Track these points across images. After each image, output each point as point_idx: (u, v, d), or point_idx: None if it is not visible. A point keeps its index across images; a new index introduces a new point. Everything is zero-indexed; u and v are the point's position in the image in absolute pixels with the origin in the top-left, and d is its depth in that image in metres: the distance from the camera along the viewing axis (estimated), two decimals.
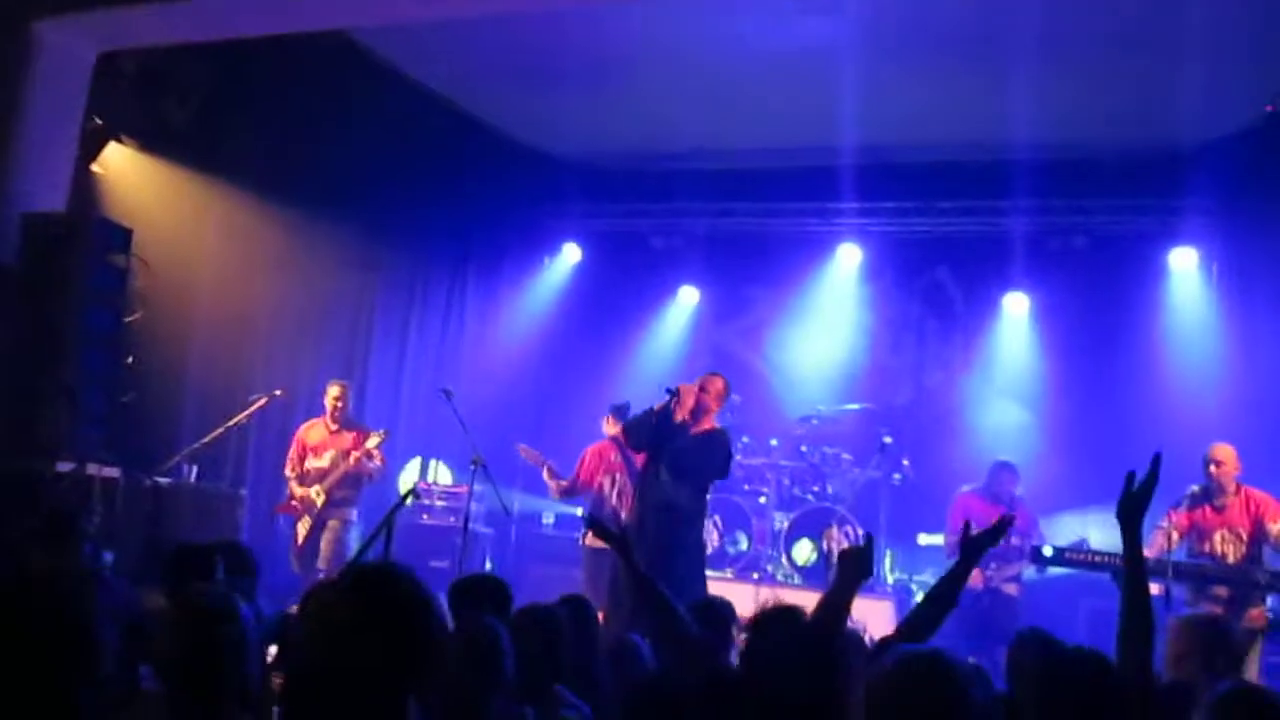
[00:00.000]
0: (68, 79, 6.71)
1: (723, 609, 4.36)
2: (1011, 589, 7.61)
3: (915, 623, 3.27)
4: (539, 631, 3.23)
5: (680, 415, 6.30)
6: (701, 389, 6.38)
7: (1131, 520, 2.96)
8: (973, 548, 3.40)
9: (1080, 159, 8.80)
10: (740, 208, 10.19)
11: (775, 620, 2.96)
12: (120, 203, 7.33)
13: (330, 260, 8.95)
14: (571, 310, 10.64)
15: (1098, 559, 6.18)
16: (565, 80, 8.39)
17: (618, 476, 7.83)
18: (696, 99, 8.49)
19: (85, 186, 7.11)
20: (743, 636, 3.21)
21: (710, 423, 6.46)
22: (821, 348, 10.02)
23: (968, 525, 3.49)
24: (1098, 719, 2.51)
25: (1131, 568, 2.94)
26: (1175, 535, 6.23)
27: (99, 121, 7.18)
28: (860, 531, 8.34)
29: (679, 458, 6.24)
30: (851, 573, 3.19)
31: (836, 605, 3.11)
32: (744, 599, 7.89)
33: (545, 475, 8.00)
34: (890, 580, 8.59)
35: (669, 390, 6.39)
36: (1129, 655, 2.78)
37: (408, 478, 9.09)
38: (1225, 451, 6.36)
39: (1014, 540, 7.59)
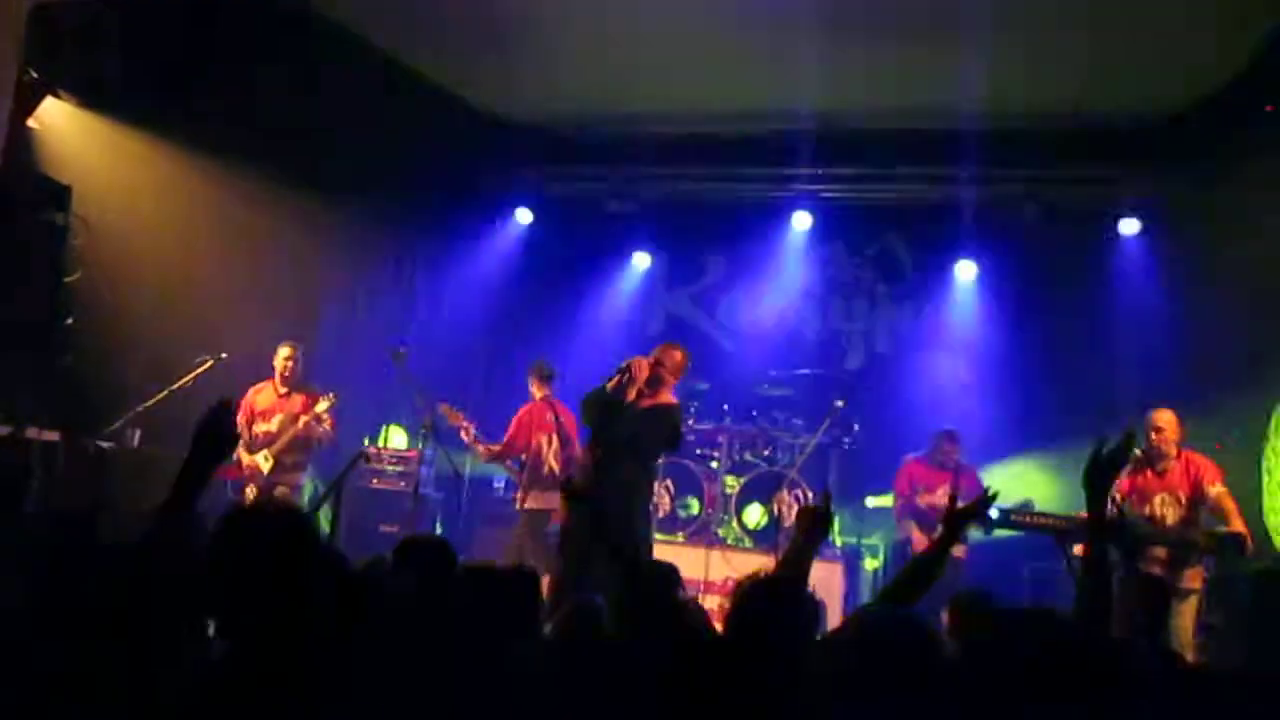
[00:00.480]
0: (1, 31, 6.50)
1: (668, 573, 4.37)
2: (958, 551, 7.71)
3: (896, 596, 3.28)
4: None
5: (630, 394, 6.19)
6: (657, 361, 6.29)
7: (1098, 485, 3.04)
8: (956, 521, 3.43)
9: (1030, 129, 8.87)
10: (694, 173, 10.15)
11: (760, 589, 3.00)
12: (58, 159, 7.12)
13: (277, 221, 8.78)
14: (523, 275, 10.56)
15: (1043, 521, 6.28)
16: (517, 42, 8.27)
17: (553, 437, 7.84)
18: (651, 62, 8.42)
19: (21, 142, 6.91)
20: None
21: (666, 395, 6.36)
22: (774, 313, 10.06)
23: (954, 498, 3.52)
24: (1048, 680, 2.49)
25: (1095, 531, 3.02)
26: (1117, 497, 6.34)
27: (34, 75, 6.97)
28: (810, 494, 8.42)
29: (625, 430, 6.14)
30: (811, 531, 3.21)
31: (796, 563, 3.14)
32: (695, 563, 7.97)
33: (468, 438, 7.95)
34: (839, 543, 8.68)
35: (620, 369, 6.24)
36: (1089, 612, 2.85)
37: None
38: (1166, 417, 6.47)
39: (959, 505, 7.69)
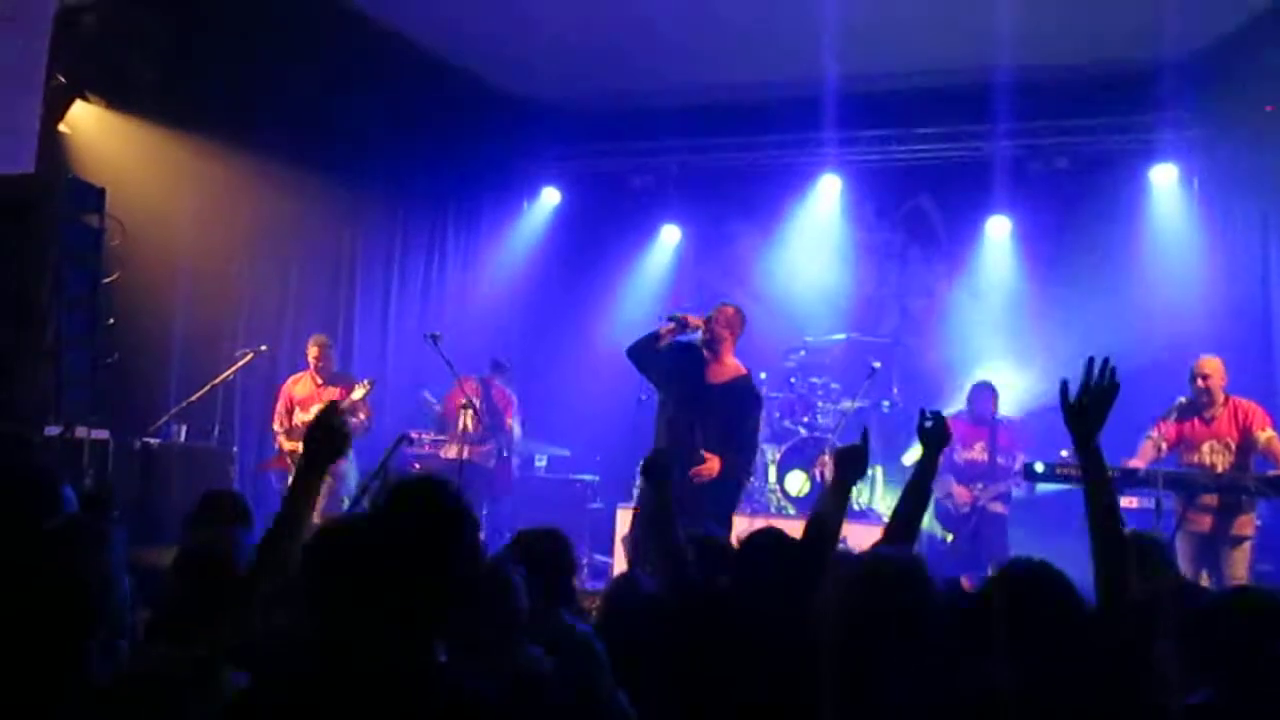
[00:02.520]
0: (29, 35, 6.54)
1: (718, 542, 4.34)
2: (999, 507, 7.68)
3: (896, 524, 3.31)
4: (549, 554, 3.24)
5: (703, 340, 6.00)
6: (711, 320, 6.07)
7: (1082, 429, 2.58)
8: (931, 437, 3.42)
9: (1058, 79, 8.76)
10: (718, 143, 10.11)
11: (761, 539, 3.11)
12: (90, 163, 7.18)
13: (309, 212, 8.85)
14: (553, 253, 10.58)
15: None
16: (538, 20, 8.26)
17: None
18: (671, 33, 8.37)
19: (53, 147, 6.98)
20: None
21: (730, 357, 6.09)
22: (806, 280, 10.00)
23: (923, 413, 3.45)
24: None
25: (1091, 488, 2.53)
26: (1164, 446, 6.29)
27: (62, 80, 7.02)
28: None
29: (713, 415, 5.89)
30: (849, 468, 3.28)
31: (836, 497, 3.20)
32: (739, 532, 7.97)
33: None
34: (882, 509, 8.67)
35: (671, 317, 6.07)
36: (1105, 587, 2.48)
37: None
38: (1213, 364, 6.40)
39: (999, 459, 7.66)
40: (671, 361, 6.03)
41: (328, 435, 2.26)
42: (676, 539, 3.31)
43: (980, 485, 7.61)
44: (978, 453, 7.65)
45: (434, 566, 1.97)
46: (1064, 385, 2.66)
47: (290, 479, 2.29)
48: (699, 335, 6.06)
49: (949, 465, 7.89)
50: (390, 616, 1.91)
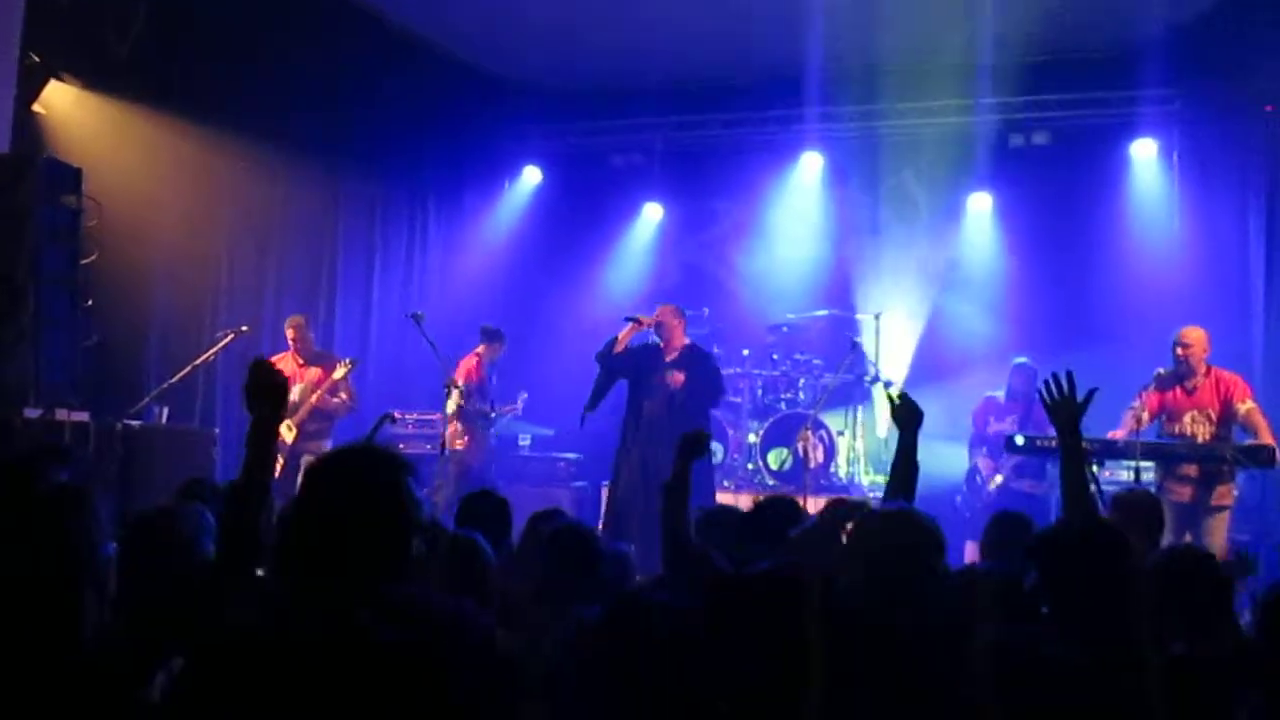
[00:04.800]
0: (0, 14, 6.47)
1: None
2: (1027, 485, 7.54)
3: (886, 496, 3.45)
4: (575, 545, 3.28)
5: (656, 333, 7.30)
6: (657, 316, 7.30)
7: (1061, 420, 3.30)
8: (901, 417, 3.48)
9: (1039, 55, 8.76)
10: (700, 120, 10.09)
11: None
12: (66, 142, 7.11)
13: (289, 192, 8.80)
14: (535, 232, 10.55)
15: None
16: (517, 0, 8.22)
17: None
18: (652, 10, 8.33)
19: (28, 127, 6.91)
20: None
21: (680, 339, 7.29)
22: (788, 256, 10.01)
23: (890, 397, 3.64)
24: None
25: (1067, 471, 3.23)
26: (1146, 416, 6.32)
27: (36, 59, 6.94)
28: (832, 434, 8.48)
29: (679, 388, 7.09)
30: (907, 420, 3.43)
31: (905, 453, 3.38)
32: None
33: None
34: (865, 483, 8.73)
35: (628, 319, 7.25)
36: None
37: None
38: (1195, 334, 6.43)
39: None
40: (633, 359, 7.27)
41: (263, 390, 2.27)
42: (687, 523, 3.32)
43: (1008, 461, 7.53)
44: (1008, 425, 7.56)
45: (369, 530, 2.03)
46: (1044, 386, 3.33)
47: (246, 449, 2.28)
48: (652, 336, 7.32)
49: (979, 437, 7.83)
50: (330, 573, 1.98)
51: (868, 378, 8.77)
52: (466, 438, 8.35)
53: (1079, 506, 3.10)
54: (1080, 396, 3.30)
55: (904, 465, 3.40)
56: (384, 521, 2.03)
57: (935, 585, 2.59)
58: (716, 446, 8.75)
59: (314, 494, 2.07)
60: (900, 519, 2.73)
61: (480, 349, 8.68)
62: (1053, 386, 3.34)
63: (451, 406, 7.88)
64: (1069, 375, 3.31)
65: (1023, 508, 7.36)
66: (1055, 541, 2.63)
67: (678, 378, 7.11)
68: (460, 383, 8.07)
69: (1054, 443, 6.26)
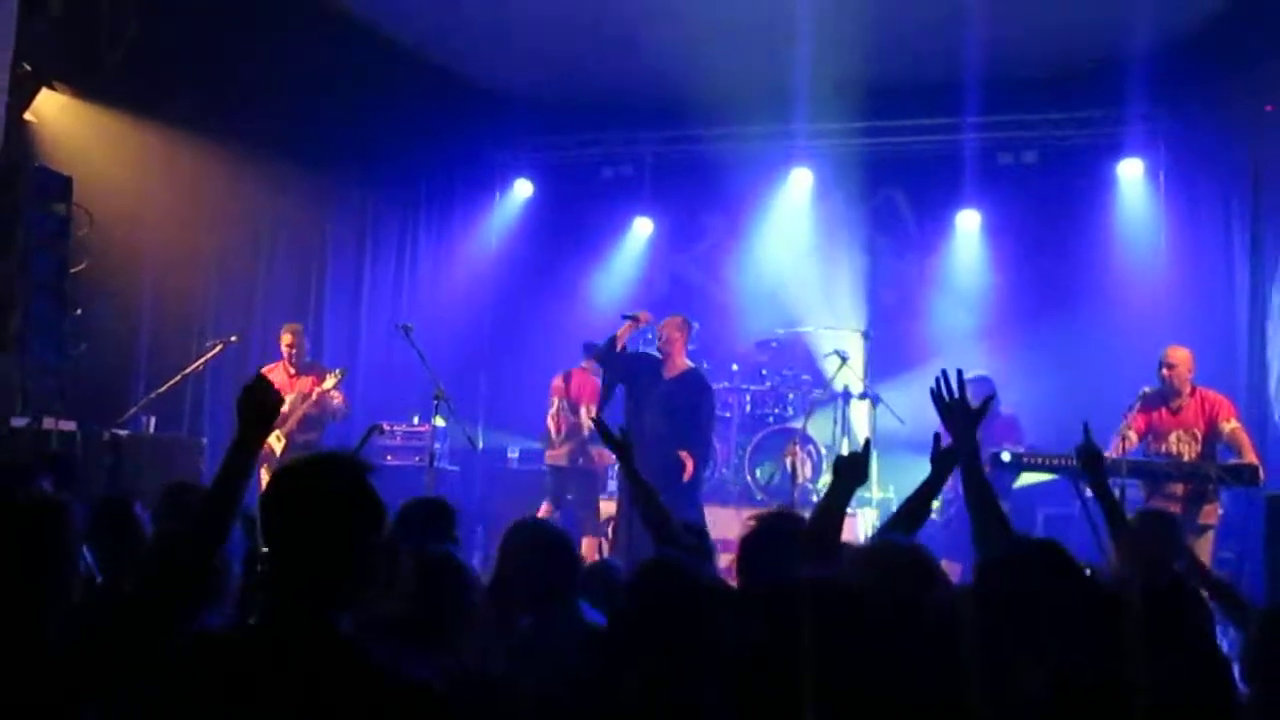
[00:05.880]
0: None
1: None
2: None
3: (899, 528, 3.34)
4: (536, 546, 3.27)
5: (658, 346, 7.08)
6: (662, 326, 7.05)
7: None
8: (943, 462, 3.42)
9: (1027, 73, 8.84)
10: (690, 135, 10.12)
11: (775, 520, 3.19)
12: (57, 151, 7.09)
13: (279, 202, 8.79)
14: (525, 245, 10.56)
15: (1056, 461, 6.31)
16: (510, 12, 8.23)
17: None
18: (642, 25, 8.37)
19: (19, 136, 6.88)
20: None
21: (681, 358, 7.06)
22: (777, 272, 10.04)
23: (938, 437, 3.49)
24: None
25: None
26: (1133, 436, 6.36)
27: (27, 67, 6.93)
28: (821, 449, 8.49)
29: (667, 401, 6.79)
30: (848, 477, 3.24)
31: (832, 508, 3.17)
32: (712, 522, 8.00)
33: None
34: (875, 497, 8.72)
35: (625, 317, 6.98)
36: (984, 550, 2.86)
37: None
38: (1180, 354, 6.48)
39: (989, 450, 7.67)
40: (632, 365, 7.06)
41: (257, 410, 2.26)
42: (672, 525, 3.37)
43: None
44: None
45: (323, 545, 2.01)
46: (935, 384, 3.14)
47: (261, 470, 2.29)
48: (655, 345, 7.13)
49: None
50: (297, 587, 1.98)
51: (855, 395, 8.79)
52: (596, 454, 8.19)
53: (993, 525, 2.93)
54: (976, 403, 3.16)
55: (833, 514, 3.17)
56: (327, 540, 1.98)
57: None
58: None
59: (268, 507, 2.05)
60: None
61: (586, 364, 8.38)
62: (943, 385, 3.10)
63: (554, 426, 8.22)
64: (959, 373, 3.11)
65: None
66: (990, 569, 2.48)
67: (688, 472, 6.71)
68: (586, 403, 8.06)
69: (1044, 460, 6.38)
